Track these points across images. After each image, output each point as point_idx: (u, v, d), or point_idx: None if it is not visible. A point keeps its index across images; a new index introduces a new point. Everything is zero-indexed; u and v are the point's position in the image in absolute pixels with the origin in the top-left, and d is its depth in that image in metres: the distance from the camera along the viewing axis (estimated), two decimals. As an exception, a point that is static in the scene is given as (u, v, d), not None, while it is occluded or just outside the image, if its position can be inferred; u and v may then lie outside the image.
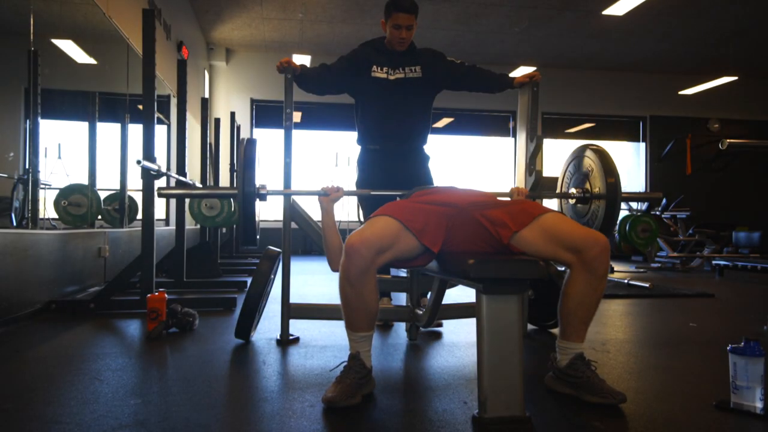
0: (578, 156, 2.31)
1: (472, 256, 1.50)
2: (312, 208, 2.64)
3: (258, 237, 2.13)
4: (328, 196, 2.02)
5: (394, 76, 2.72)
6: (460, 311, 2.45)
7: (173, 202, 5.12)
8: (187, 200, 4.57)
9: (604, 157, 2.16)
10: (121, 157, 4.76)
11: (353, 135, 2.95)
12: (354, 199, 6.00)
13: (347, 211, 8.01)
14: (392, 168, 2.76)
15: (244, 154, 1.98)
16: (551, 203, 2.73)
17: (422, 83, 2.74)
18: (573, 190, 2.31)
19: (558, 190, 2.44)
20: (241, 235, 2.06)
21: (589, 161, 2.22)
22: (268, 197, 2.16)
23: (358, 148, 2.89)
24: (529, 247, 1.68)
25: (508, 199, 2.13)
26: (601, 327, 2.92)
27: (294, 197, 2.50)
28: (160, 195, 2.26)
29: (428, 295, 2.28)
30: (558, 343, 1.74)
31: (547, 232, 1.67)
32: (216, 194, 2.37)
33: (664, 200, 7.49)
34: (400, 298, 3.30)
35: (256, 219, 2.07)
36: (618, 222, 6.17)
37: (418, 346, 2.43)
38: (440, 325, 2.72)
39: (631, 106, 10.23)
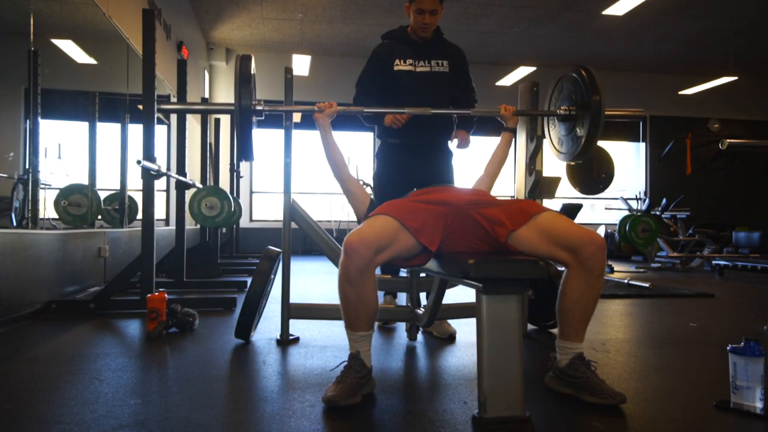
0: (564, 74, 2.33)
1: (472, 256, 1.50)
2: (312, 208, 2.65)
3: (254, 153, 2.14)
4: (323, 112, 2.18)
5: (420, 68, 2.63)
6: (460, 311, 2.45)
7: (173, 201, 5.11)
8: (187, 200, 4.57)
9: (589, 74, 2.19)
10: (121, 157, 4.76)
11: (354, 135, 2.94)
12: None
13: (347, 211, 8.01)
14: (412, 163, 2.67)
15: (240, 69, 2.04)
16: (554, 204, 2.73)
17: (448, 79, 2.67)
18: (560, 110, 2.35)
19: (546, 108, 2.46)
20: (238, 151, 2.10)
21: (575, 78, 2.24)
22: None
23: (372, 145, 2.83)
24: (525, 246, 1.68)
25: (507, 198, 2.13)
26: (601, 327, 2.92)
27: (294, 197, 2.50)
28: (160, 110, 2.30)
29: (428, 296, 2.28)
30: (557, 343, 1.74)
31: (544, 231, 1.67)
32: (213, 110, 2.44)
33: (664, 200, 7.49)
34: (400, 299, 3.30)
35: (252, 134, 2.11)
36: (618, 222, 6.18)
37: (418, 346, 2.43)
38: (453, 337, 2.56)
39: (631, 106, 10.19)
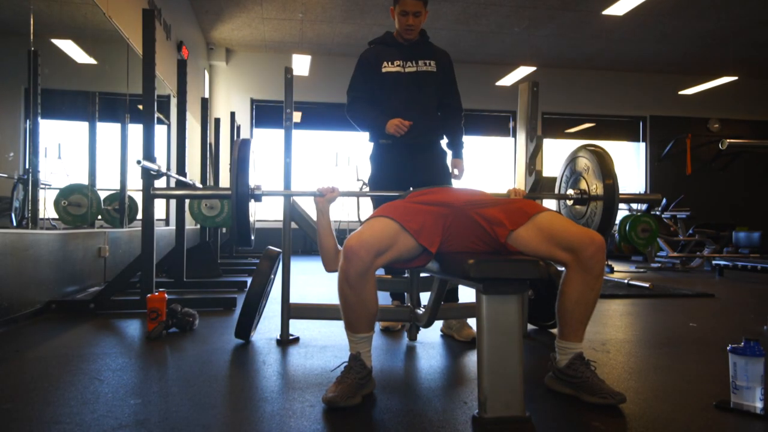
0: (576, 156, 2.30)
1: (472, 256, 1.50)
2: (312, 208, 2.64)
3: (253, 238, 2.12)
4: (324, 197, 2.01)
5: (408, 69, 2.65)
6: (460, 311, 2.45)
7: (173, 201, 5.12)
8: (187, 200, 4.57)
9: (601, 158, 2.14)
10: (121, 157, 4.76)
11: (354, 135, 2.93)
12: (354, 200, 5.99)
13: (347, 211, 8.00)
14: (406, 163, 2.68)
15: (238, 154, 1.97)
16: (549, 204, 2.73)
17: (436, 78, 2.68)
18: (570, 191, 2.30)
19: (556, 191, 2.43)
20: (235, 237, 2.03)
21: (587, 162, 2.21)
22: (264, 198, 2.14)
23: (370, 145, 2.80)
24: (525, 246, 1.68)
25: (504, 192, 2.13)
26: (601, 327, 2.92)
27: (294, 197, 2.50)
28: (155, 196, 2.23)
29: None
30: (557, 343, 1.74)
31: (543, 231, 1.67)
32: (210, 195, 2.34)
33: (664, 200, 7.49)
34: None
35: (251, 220, 2.06)
36: (618, 222, 6.18)
37: (418, 346, 2.43)
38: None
39: (631, 106, 10.23)
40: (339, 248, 1.91)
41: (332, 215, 2.05)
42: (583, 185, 2.23)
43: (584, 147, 2.25)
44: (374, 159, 2.78)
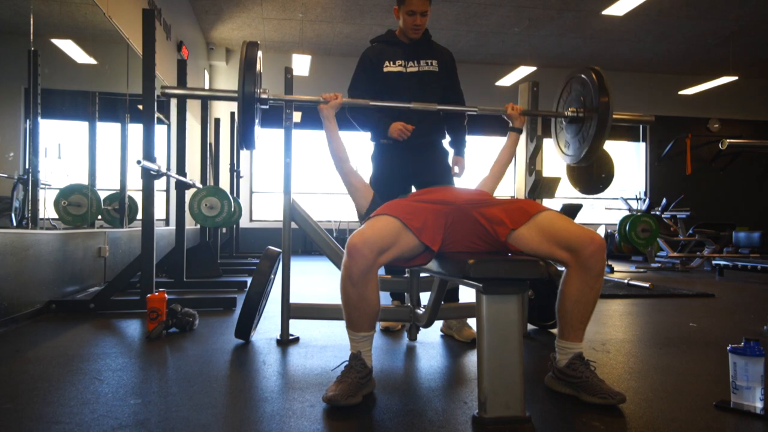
0: (574, 76, 2.33)
1: (472, 256, 1.50)
2: (312, 208, 2.64)
3: (256, 140, 2.14)
4: (328, 104, 2.16)
5: (410, 68, 2.65)
6: (460, 311, 2.45)
7: (173, 201, 5.11)
8: (187, 200, 4.57)
9: (599, 76, 2.18)
10: (121, 157, 4.76)
11: (354, 135, 2.93)
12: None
13: (347, 211, 8.00)
14: (408, 163, 2.67)
15: (246, 55, 2.00)
16: (555, 205, 2.72)
17: (438, 78, 2.68)
18: (568, 111, 2.34)
19: (554, 109, 2.45)
20: (240, 139, 2.07)
21: (585, 80, 2.24)
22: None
23: (371, 145, 2.80)
24: (525, 246, 1.68)
25: (506, 198, 2.13)
26: (601, 327, 2.92)
27: (294, 197, 2.50)
28: (164, 94, 2.27)
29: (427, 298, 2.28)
30: (557, 343, 1.74)
31: (544, 231, 1.67)
32: (218, 96, 2.36)
33: (664, 200, 7.49)
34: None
35: (256, 123, 2.10)
36: (618, 222, 6.18)
37: (418, 346, 2.43)
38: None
39: (631, 106, 10.23)
40: (348, 156, 2.13)
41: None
42: (580, 103, 2.28)
43: (584, 67, 2.29)
44: (376, 159, 2.78)
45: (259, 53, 2.09)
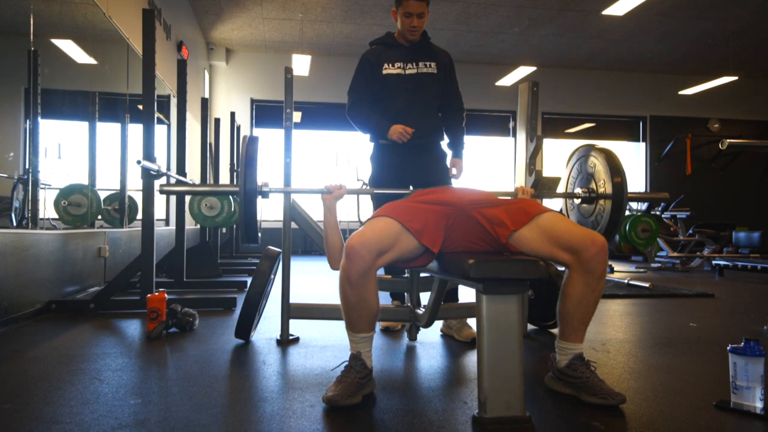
0: (584, 155, 2.30)
1: (472, 256, 1.50)
2: (312, 208, 2.64)
3: (259, 235, 2.13)
4: (331, 194, 1.99)
5: (408, 70, 2.65)
6: (460, 311, 2.45)
7: (173, 201, 5.12)
8: (187, 200, 4.57)
9: (610, 157, 2.15)
10: (121, 157, 4.76)
11: (354, 135, 2.93)
12: (353, 199, 5.99)
13: (347, 211, 7.99)
14: (407, 164, 2.68)
15: (246, 151, 1.97)
16: (556, 204, 2.72)
17: (437, 79, 2.69)
18: (578, 190, 2.30)
19: (563, 190, 2.43)
20: (243, 234, 2.05)
21: (595, 161, 2.21)
22: (271, 195, 2.15)
23: (370, 145, 2.80)
24: (527, 247, 1.68)
25: (507, 197, 2.12)
26: (601, 327, 2.92)
27: (294, 196, 2.50)
28: (162, 192, 2.26)
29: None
30: (557, 343, 1.74)
31: (545, 232, 1.67)
32: (217, 192, 2.37)
33: (664, 200, 7.47)
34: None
35: (258, 217, 2.07)
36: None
37: (419, 346, 2.43)
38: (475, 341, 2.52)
39: (631, 106, 10.23)
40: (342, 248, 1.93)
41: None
42: (592, 184, 2.23)
43: (593, 146, 2.25)
44: (375, 159, 2.78)
45: (259, 146, 2.04)
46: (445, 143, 2.83)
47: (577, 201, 2.31)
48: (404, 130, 2.55)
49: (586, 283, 1.64)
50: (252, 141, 1.99)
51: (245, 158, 1.96)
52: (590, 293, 1.66)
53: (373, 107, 2.69)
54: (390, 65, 2.66)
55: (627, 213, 7.11)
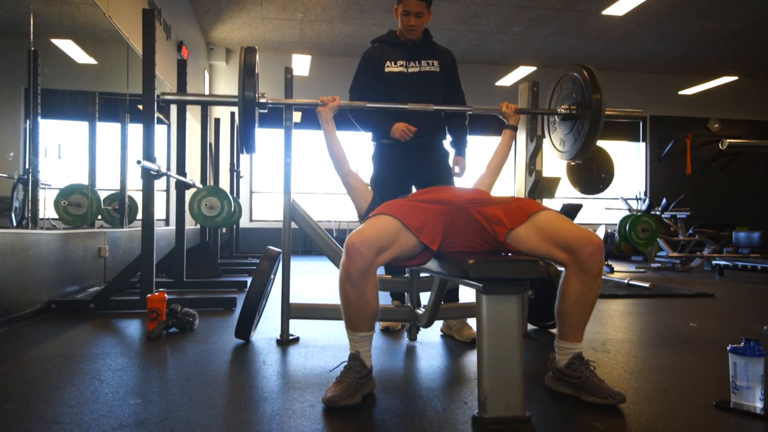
0: (566, 73, 2.33)
1: (472, 256, 1.50)
2: (312, 208, 2.64)
3: (255, 146, 2.16)
4: (326, 106, 2.17)
5: (411, 69, 2.65)
6: (460, 311, 2.46)
7: (173, 201, 5.11)
8: (187, 200, 4.57)
9: (591, 73, 2.19)
10: (121, 157, 4.76)
11: (354, 135, 2.93)
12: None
13: (347, 211, 8.00)
14: (409, 163, 2.67)
15: (244, 60, 2.03)
16: (556, 204, 2.72)
17: (439, 78, 2.68)
18: (561, 109, 2.34)
19: (547, 106, 2.46)
20: (240, 143, 2.12)
21: (576, 77, 2.25)
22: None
23: (371, 145, 2.80)
24: (524, 245, 1.68)
25: (505, 195, 2.13)
26: (601, 327, 2.92)
27: (294, 197, 2.50)
28: (163, 101, 2.30)
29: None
30: (556, 343, 1.74)
31: (542, 231, 1.67)
32: (218, 101, 2.46)
33: (664, 200, 7.49)
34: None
35: (256, 126, 2.12)
36: (618, 222, 6.18)
37: (418, 346, 2.43)
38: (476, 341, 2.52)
39: (631, 106, 10.20)
40: (347, 157, 2.13)
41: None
42: (572, 101, 2.29)
43: (575, 65, 2.29)
44: (377, 159, 2.77)
45: (257, 58, 2.11)
46: (447, 142, 2.82)
47: (558, 118, 2.37)
48: (407, 128, 2.55)
49: (583, 282, 1.65)
50: (250, 51, 2.07)
51: (244, 67, 2.03)
52: (587, 292, 1.66)
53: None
54: (392, 63, 2.65)
55: (627, 213, 7.12)
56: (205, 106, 6.00)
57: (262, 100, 2.16)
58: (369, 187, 2.17)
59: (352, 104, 2.42)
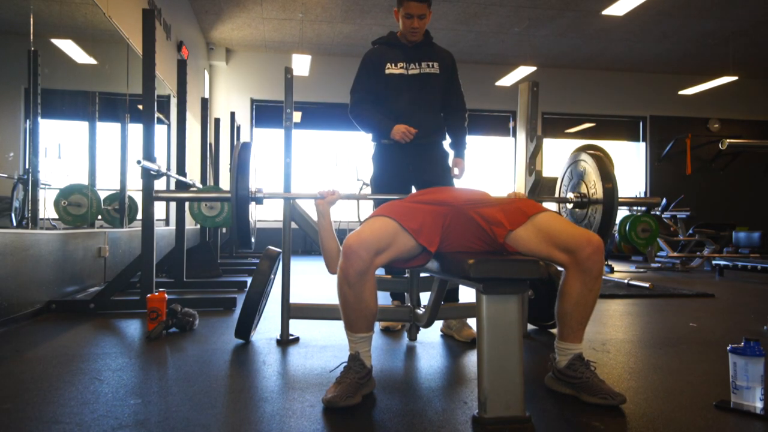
0: (576, 159, 2.31)
1: (472, 256, 1.50)
2: (312, 208, 2.64)
3: (253, 240, 2.13)
4: (325, 199, 2.02)
5: (411, 71, 2.65)
6: (460, 311, 2.45)
7: (173, 202, 5.12)
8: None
9: (601, 161, 2.16)
10: (121, 157, 4.76)
11: (354, 135, 2.93)
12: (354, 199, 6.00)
13: (348, 211, 7.99)
14: (409, 163, 2.68)
15: (238, 157, 1.98)
16: (550, 206, 2.72)
17: (439, 80, 2.69)
18: (570, 195, 2.31)
19: (557, 194, 2.44)
20: (236, 239, 2.09)
21: (587, 165, 2.22)
22: (265, 200, 2.16)
23: (371, 145, 2.80)
24: (523, 247, 1.68)
25: (504, 195, 2.12)
26: (601, 327, 2.92)
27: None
28: (157, 199, 2.27)
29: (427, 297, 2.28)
30: (556, 343, 1.74)
31: (542, 232, 1.67)
32: (211, 198, 2.44)
33: (664, 200, 7.48)
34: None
35: (252, 222, 2.08)
36: (618, 222, 6.18)
37: (418, 346, 2.43)
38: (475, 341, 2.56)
39: (631, 106, 10.23)
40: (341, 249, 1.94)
41: (332, 215, 2.05)
42: (583, 188, 2.24)
43: (584, 150, 2.26)
44: (376, 159, 2.78)
45: (252, 153, 2.05)
46: (447, 143, 2.83)
47: (570, 206, 2.33)
48: (407, 129, 2.56)
49: (583, 283, 1.65)
50: (244, 147, 2.01)
51: (237, 164, 1.97)
52: (588, 293, 1.66)
53: (375, 107, 2.69)
54: (393, 65, 2.66)
55: (627, 213, 7.11)
56: (205, 104, 5.98)
57: (258, 195, 2.11)
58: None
59: (352, 195, 2.36)
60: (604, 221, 2.15)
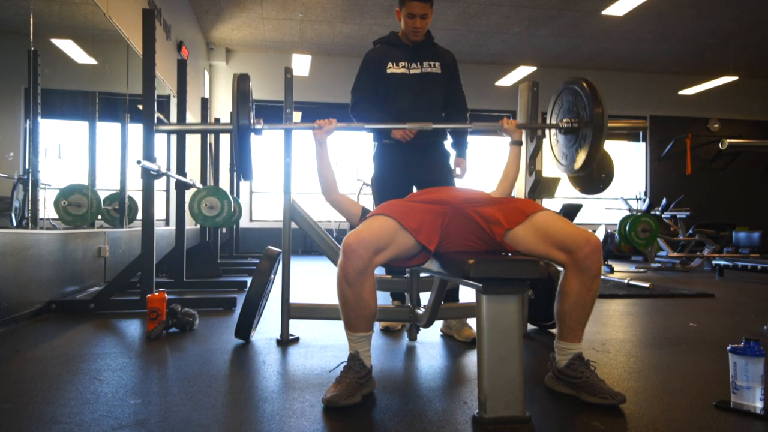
0: (566, 87, 2.32)
1: (471, 256, 1.50)
2: (312, 209, 2.64)
3: (253, 172, 2.15)
4: (322, 129, 2.15)
5: (413, 70, 2.66)
6: (460, 311, 2.45)
7: (173, 201, 5.11)
8: (187, 200, 4.57)
9: (591, 87, 2.18)
10: (121, 157, 4.76)
11: (354, 135, 2.93)
12: (353, 199, 6.02)
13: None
14: (410, 163, 2.68)
15: (237, 88, 2.01)
16: (554, 205, 2.72)
17: (440, 80, 2.69)
18: (562, 122, 2.33)
19: (548, 122, 2.45)
20: (238, 170, 2.11)
21: (578, 91, 2.24)
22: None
23: (372, 145, 2.80)
24: (522, 246, 1.68)
25: (503, 196, 2.12)
26: (601, 327, 2.92)
27: (294, 197, 2.50)
28: (157, 131, 2.29)
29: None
30: (556, 343, 1.74)
31: (540, 231, 1.67)
32: (211, 129, 2.50)
33: (664, 200, 7.49)
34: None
35: (251, 153, 2.11)
36: (618, 222, 6.18)
37: (418, 346, 2.43)
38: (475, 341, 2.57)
39: (631, 106, 10.23)
40: (336, 182, 2.11)
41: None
42: (573, 115, 2.27)
43: (575, 78, 2.27)
44: (377, 159, 2.78)
45: (251, 84, 2.09)
46: (448, 143, 2.83)
47: (560, 132, 2.35)
48: (405, 132, 2.56)
49: (581, 282, 1.65)
50: (243, 79, 2.05)
51: (237, 95, 2.00)
52: (586, 292, 1.66)
53: (376, 106, 2.69)
54: (394, 65, 2.66)
55: (627, 213, 7.12)
56: (205, 102, 5.98)
57: (258, 126, 2.13)
58: (357, 202, 2.17)
59: (349, 126, 2.40)
60: (593, 145, 2.17)
